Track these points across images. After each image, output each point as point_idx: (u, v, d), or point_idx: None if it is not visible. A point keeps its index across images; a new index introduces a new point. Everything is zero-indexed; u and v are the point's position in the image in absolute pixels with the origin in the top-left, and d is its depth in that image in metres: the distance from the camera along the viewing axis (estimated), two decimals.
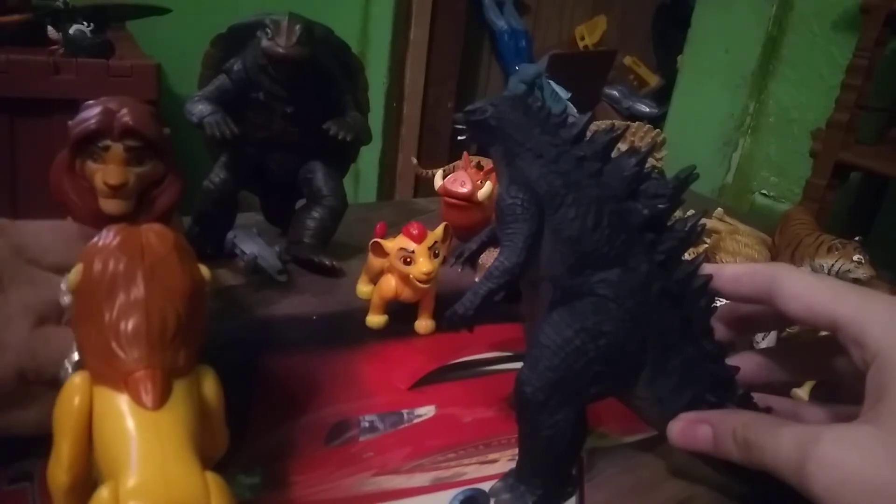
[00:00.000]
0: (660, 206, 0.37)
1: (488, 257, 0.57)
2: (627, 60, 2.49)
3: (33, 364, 0.33)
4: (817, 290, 0.35)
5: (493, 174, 0.63)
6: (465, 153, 0.64)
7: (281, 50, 0.53)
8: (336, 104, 0.60)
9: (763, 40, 1.15)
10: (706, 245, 0.70)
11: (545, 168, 0.37)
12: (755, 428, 0.34)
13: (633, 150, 0.38)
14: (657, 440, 0.44)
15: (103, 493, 0.25)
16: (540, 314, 0.38)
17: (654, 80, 2.45)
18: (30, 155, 1.11)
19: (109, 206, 0.41)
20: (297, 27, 0.53)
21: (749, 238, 0.73)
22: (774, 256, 0.70)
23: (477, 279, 0.60)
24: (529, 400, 0.36)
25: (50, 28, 1.17)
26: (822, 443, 0.31)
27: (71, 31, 1.14)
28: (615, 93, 2.39)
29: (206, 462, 0.29)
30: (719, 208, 0.82)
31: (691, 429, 0.37)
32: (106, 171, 0.40)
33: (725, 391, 0.38)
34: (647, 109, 2.32)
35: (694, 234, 0.38)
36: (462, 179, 0.61)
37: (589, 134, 0.38)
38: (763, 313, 0.41)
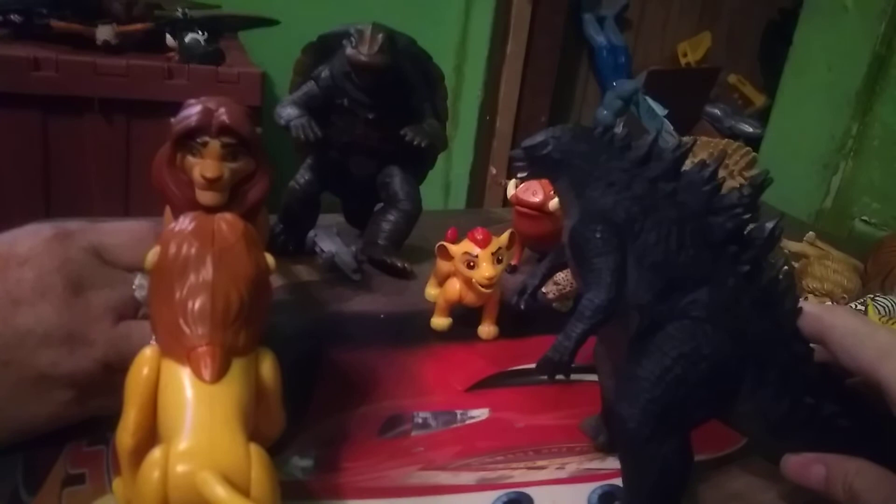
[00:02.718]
0: (744, 216, 0.36)
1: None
2: (732, 78, 2.41)
3: (117, 357, 0.36)
4: (864, 345, 0.35)
5: None
6: None
7: (363, 58, 0.55)
8: (415, 111, 0.62)
9: (869, 59, 1.09)
10: (794, 266, 0.68)
11: (619, 195, 0.36)
12: (862, 478, 0.35)
13: (702, 164, 0.37)
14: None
15: (156, 453, 0.28)
16: (624, 342, 0.37)
17: (760, 100, 2.36)
18: (142, 154, 1.19)
19: (205, 197, 0.43)
20: (380, 36, 0.55)
21: (839, 264, 0.70)
22: (865, 283, 0.67)
23: (545, 290, 0.60)
24: (634, 436, 0.35)
25: (168, 36, 1.26)
26: None
27: (187, 39, 1.21)
28: (717, 111, 2.31)
29: (263, 440, 0.31)
30: (811, 232, 0.79)
31: (806, 467, 0.38)
32: (203, 165, 0.43)
33: (820, 390, 0.37)
34: (751, 129, 2.22)
35: (773, 240, 0.37)
36: (534, 189, 0.61)
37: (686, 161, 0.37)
38: None
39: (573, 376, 0.51)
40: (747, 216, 0.36)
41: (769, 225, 0.37)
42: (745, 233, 0.37)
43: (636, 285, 0.35)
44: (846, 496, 0.35)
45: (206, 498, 0.26)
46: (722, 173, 0.38)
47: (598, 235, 0.35)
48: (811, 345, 0.38)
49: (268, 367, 0.34)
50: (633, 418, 0.34)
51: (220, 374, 0.31)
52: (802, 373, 0.37)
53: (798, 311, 0.37)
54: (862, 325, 0.37)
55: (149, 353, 0.32)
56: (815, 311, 0.38)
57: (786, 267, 0.37)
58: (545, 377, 0.36)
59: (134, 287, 0.39)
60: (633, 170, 0.37)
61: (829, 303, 0.59)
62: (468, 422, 0.46)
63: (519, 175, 0.41)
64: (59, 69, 1.12)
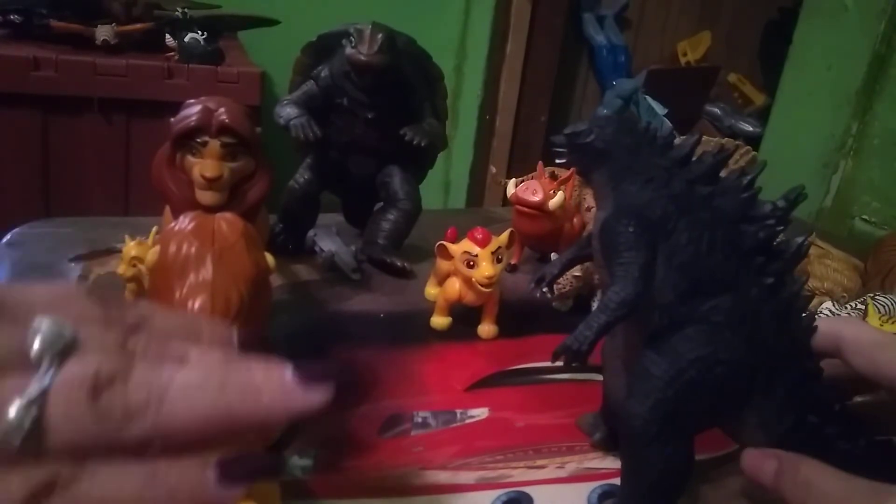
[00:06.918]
0: (776, 228, 0.36)
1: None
2: (732, 78, 2.41)
3: None
4: (881, 348, 0.36)
5: (568, 184, 0.63)
6: (539, 162, 0.65)
7: (363, 57, 0.55)
8: (415, 111, 0.62)
9: (869, 58, 1.09)
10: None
11: (657, 192, 0.36)
12: (814, 474, 0.34)
13: (740, 172, 0.37)
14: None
15: None
16: (640, 340, 0.37)
17: (760, 99, 2.36)
18: (142, 154, 1.19)
19: (205, 197, 0.44)
20: (380, 36, 0.55)
21: (840, 263, 0.70)
22: (865, 282, 0.67)
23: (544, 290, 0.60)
24: (639, 434, 0.34)
25: (168, 36, 1.26)
26: None
27: (186, 38, 1.22)
28: (717, 110, 2.31)
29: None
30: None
31: (761, 460, 0.37)
32: (203, 165, 0.43)
33: (825, 410, 0.37)
34: (751, 128, 2.23)
35: (800, 254, 0.37)
36: (534, 188, 0.61)
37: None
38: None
39: (572, 376, 0.51)
40: (779, 228, 0.36)
41: (798, 239, 0.36)
42: (774, 245, 0.36)
43: (662, 284, 0.35)
44: (795, 492, 0.34)
45: None
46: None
47: (630, 230, 0.35)
48: (827, 358, 0.38)
49: None
50: (640, 416, 0.34)
51: None
52: (810, 390, 0.37)
53: (813, 329, 0.37)
54: (881, 334, 0.37)
55: None
56: (832, 326, 0.38)
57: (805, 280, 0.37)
58: (560, 364, 0.35)
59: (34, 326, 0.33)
60: (673, 168, 0.37)
61: (829, 301, 0.59)
62: (468, 421, 0.46)
63: (558, 161, 0.40)
64: (59, 69, 1.12)
